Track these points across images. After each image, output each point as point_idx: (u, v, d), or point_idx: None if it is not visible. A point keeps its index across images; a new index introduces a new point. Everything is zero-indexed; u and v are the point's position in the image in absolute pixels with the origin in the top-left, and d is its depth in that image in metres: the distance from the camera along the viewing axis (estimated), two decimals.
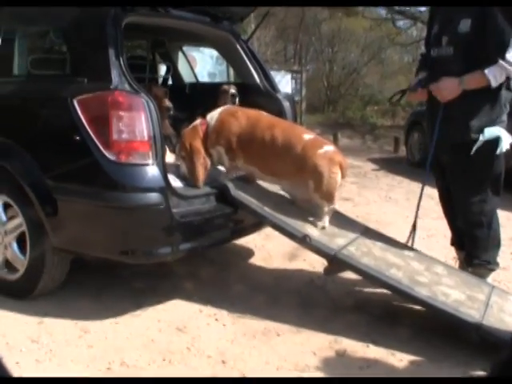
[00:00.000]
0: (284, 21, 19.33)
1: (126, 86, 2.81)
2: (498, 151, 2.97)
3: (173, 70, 4.62)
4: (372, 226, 4.94)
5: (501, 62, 2.85)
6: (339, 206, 5.74)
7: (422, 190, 3.40)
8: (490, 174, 3.08)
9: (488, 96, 2.98)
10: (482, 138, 2.95)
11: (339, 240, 3.16)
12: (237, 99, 3.98)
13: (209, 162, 3.27)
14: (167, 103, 3.80)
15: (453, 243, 3.53)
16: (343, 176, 3.27)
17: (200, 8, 3.65)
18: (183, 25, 3.69)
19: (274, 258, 4.10)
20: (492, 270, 3.23)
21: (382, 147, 11.03)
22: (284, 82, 9.98)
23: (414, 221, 3.40)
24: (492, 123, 2.99)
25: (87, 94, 2.80)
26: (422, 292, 2.82)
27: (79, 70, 2.96)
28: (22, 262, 3.15)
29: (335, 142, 9.46)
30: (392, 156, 9.94)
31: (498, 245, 3.23)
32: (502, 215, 3.47)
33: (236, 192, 3.16)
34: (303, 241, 3.03)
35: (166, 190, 2.82)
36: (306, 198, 3.26)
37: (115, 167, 2.74)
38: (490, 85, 2.89)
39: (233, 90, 3.99)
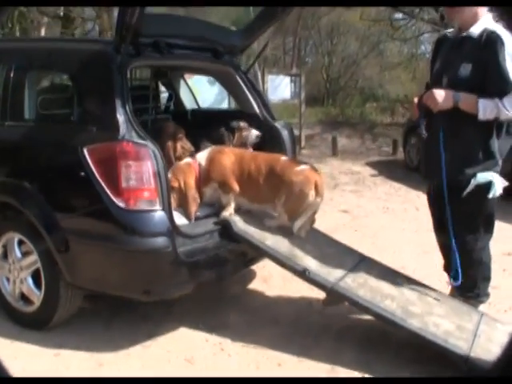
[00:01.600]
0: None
1: (134, 135, 2.97)
2: (490, 195, 3.09)
3: (175, 97, 4.79)
4: (369, 241, 5.16)
5: (497, 100, 2.94)
6: (339, 218, 5.98)
7: None
8: (482, 215, 3.22)
9: (486, 145, 3.09)
10: (473, 182, 3.07)
11: (336, 272, 3.33)
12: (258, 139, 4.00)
13: (198, 198, 3.50)
14: (188, 145, 3.92)
15: (445, 269, 3.69)
16: (318, 194, 3.44)
17: (201, 44, 3.81)
18: (185, 63, 3.86)
19: (274, 279, 4.27)
20: (482, 302, 3.41)
21: (381, 148, 11.18)
22: (283, 86, 10.09)
23: None
24: (486, 170, 3.10)
25: (96, 144, 2.98)
26: (414, 324, 3.00)
27: (88, 118, 3.13)
28: (37, 296, 3.33)
29: (334, 145, 9.62)
30: (390, 158, 10.10)
31: (488, 278, 3.40)
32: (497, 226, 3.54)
33: (237, 227, 3.34)
34: (302, 274, 3.22)
35: (173, 232, 3.00)
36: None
37: (124, 213, 2.92)
38: (476, 115, 2.97)
39: (256, 132, 4.00)
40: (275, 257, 3.28)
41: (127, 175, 2.90)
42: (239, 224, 3.37)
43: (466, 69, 3.05)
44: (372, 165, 9.38)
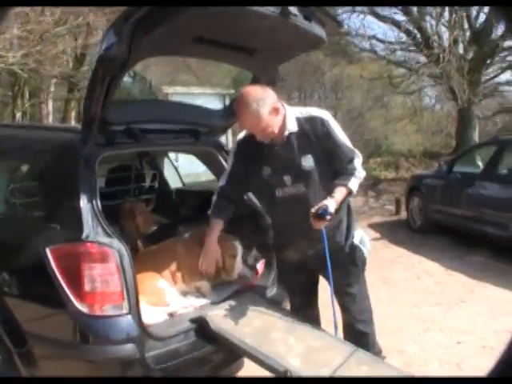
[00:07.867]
0: (286, 68, 19.62)
1: (99, 232, 2.78)
2: (365, 251, 3.24)
3: (159, 176, 4.64)
4: None
5: (357, 173, 3.07)
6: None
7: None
8: (363, 267, 3.32)
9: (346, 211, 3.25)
10: (356, 240, 3.21)
11: (323, 371, 3.08)
12: None
13: None
14: (151, 217, 3.82)
15: None
16: None
17: (180, 127, 3.68)
18: (162, 147, 3.72)
19: None
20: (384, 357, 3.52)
21: (384, 207, 10.98)
22: None
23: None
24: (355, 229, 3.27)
25: (59, 244, 2.79)
26: None
27: (52, 215, 2.96)
28: None
29: None
30: (394, 219, 9.90)
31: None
32: None
33: (215, 325, 3.10)
34: (284, 376, 2.97)
35: (141, 337, 2.77)
36: None
37: (87, 319, 2.70)
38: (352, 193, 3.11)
39: None
40: (255, 357, 3.03)
41: (91, 278, 2.70)
42: (216, 321, 3.14)
43: (307, 161, 3.06)
44: (374, 227, 9.14)
